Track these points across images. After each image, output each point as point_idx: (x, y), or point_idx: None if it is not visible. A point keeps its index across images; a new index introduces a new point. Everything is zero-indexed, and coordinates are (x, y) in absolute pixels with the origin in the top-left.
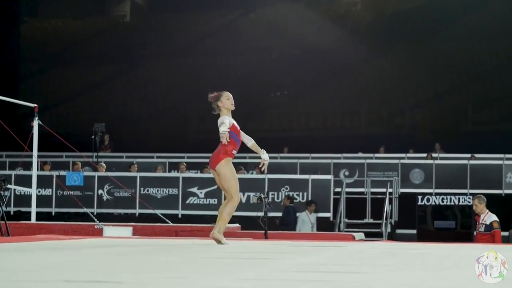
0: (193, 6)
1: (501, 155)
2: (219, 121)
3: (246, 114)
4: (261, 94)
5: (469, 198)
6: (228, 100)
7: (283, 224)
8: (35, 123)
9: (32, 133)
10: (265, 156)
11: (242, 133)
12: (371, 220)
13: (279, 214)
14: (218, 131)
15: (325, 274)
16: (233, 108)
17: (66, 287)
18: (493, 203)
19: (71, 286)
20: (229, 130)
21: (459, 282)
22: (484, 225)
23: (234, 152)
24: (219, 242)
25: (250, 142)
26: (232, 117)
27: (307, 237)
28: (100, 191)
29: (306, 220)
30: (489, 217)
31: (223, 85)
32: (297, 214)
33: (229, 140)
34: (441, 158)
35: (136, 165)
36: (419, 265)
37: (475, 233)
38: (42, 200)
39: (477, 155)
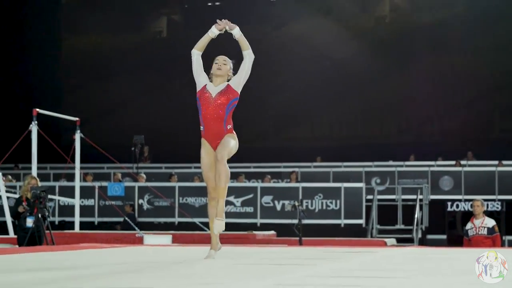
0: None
1: None
2: None
3: (279, 125)
4: (292, 105)
5: (497, 204)
6: (215, 65)
7: (124, 229)
8: (77, 136)
9: (75, 146)
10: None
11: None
12: (402, 226)
13: (313, 221)
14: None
15: (357, 279)
16: (219, 73)
17: None
18: None
19: None
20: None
21: (486, 286)
22: (486, 228)
23: (201, 128)
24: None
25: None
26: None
27: (340, 243)
28: (141, 201)
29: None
30: (489, 221)
31: (256, 96)
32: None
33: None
34: (470, 165)
35: (176, 176)
36: (448, 270)
37: (469, 234)
38: (85, 210)
39: (504, 162)
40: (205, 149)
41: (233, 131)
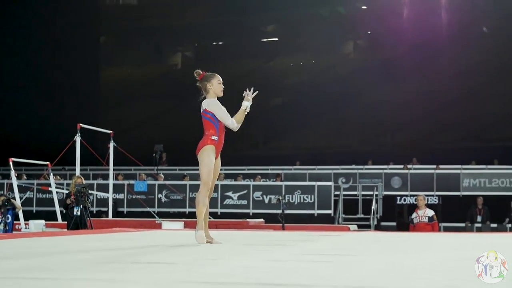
0: (228, 56)
1: (459, 166)
2: (210, 105)
3: (268, 137)
4: (277, 122)
5: (435, 198)
6: (220, 85)
7: (108, 217)
8: (111, 145)
9: (109, 153)
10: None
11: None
12: (362, 216)
13: (293, 211)
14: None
15: (328, 256)
16: (221, 95)
17: (133, 267)
18: (452, 202)
19: (137, 266)
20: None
21: (429, 260)
22: (427, 217)
23: (214, 138)
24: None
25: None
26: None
27: (314, 228)
28: (160, 195)
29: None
30: (429, 211)
31: (250, 115)
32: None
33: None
34: (414, 169)
35: (188, 176)
36: (399, 249)
37: (414, 222)
38: (117, 202)
39: (441, 166)
40: (214, 155)
41: None
